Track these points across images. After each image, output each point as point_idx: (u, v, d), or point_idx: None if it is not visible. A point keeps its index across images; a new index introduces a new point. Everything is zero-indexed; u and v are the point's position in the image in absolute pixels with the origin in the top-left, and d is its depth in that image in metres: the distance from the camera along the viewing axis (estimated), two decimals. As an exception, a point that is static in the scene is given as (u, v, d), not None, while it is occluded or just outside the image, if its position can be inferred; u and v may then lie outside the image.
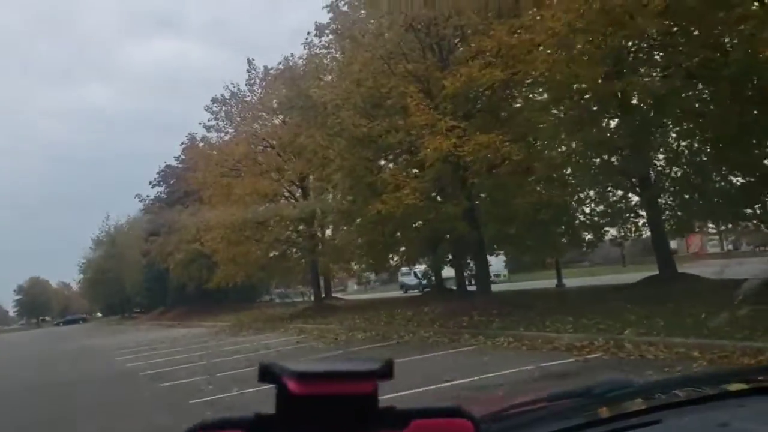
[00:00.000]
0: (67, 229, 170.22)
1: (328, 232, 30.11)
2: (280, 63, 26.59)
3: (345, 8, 17.07)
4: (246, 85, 29.37)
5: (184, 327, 37.73)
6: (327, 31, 17.42)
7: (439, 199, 16.05)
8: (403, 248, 22.81)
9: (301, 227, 28.72)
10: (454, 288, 28.96)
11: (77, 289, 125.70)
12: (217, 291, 44.00)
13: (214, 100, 29.03)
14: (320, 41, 17.99)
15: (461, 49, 15.71)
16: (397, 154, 16.11)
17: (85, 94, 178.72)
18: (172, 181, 41.75)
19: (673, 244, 26.06)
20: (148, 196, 42.82)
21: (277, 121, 29.19)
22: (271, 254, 28.32)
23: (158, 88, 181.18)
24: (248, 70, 29.18)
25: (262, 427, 0.70)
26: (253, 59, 29.33)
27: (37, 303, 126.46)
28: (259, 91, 29.58)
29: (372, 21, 16.03)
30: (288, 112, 18.34)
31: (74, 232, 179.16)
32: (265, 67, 29.47)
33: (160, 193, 44.31)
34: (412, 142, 14.85)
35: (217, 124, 29.62)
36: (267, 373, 0.70)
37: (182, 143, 31.23)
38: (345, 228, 21.67)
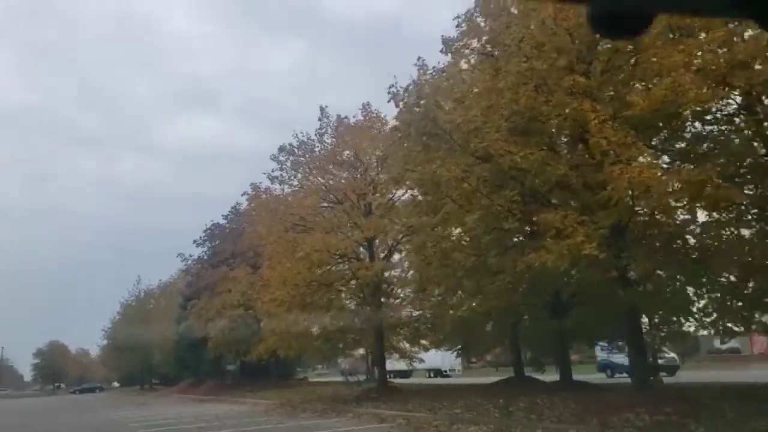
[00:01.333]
0: (91, 294, 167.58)
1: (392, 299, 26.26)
2: (392, 86, 23.54)
3: (480, 20, 14.17)
4: (316, 134, 26.47)
5: (222, 403, 33.49)
6: (458, 45, 14.45)
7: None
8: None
9: (365, 292, 24.91)
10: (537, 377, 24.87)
11: (96, 356, 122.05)
12: (254, 365, 40.04)
13: (281, 149, 26.08)
14: (446, 59, 15.05)
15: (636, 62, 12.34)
16: (564, 188, 12.47)
17: (123, 166, 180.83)
18: (218, 241, 38.60)
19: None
20: (190, 256, 39.86)
21: (345, 174, 26.05)
22: (338, 323, 24.42)
23: (194, 163, 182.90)
24: (320, 119, 26.36)
25: None
26: (326, 106, 26.24)
27: (55, 368, 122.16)
28: (331, 140, 26.63)
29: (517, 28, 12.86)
30: (406, 139, 15.08)
31: (100, 298, 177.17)
32: (338, 116, 26.65)
33: (204, 253, 41.17)
34: (585, 174, 11.36)
35: (282, 174, 26.50)
36: None
37: (244, 193, 27.78)
38: (462, 295, 17.67)
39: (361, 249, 26.04)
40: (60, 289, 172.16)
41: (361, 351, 38.45)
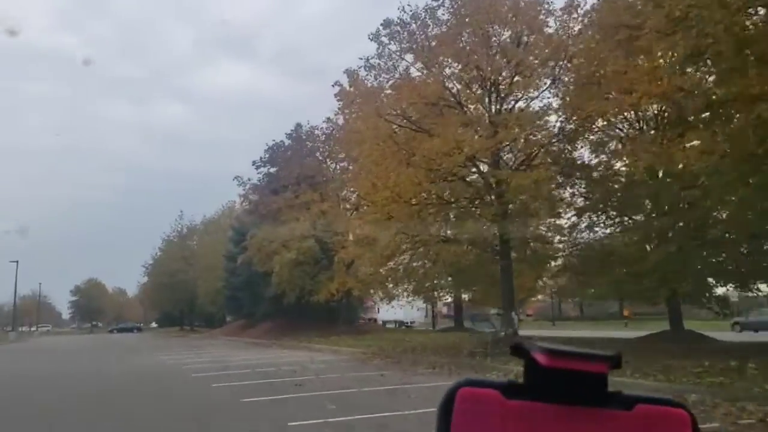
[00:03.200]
0: (131, 235, 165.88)
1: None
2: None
3: None
4: (426, 10, 20.09)
5: (289, 349, 28.36)
6: None
7: None
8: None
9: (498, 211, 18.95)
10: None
11: (133, 296, 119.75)
12: (316, 306, 34.89)
13: (386, 24, 19.83)
14: None
15: None
16: None
17: (160, 111, 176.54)
18: (280, 164, 32.88)
19: None
20: (249, 180, 34.24)
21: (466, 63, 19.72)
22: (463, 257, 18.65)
23: (228, 110, 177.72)
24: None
25: (514, 391, 0.81)
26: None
27: (92, 307, 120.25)
28: (448, 17, 20.27)
29: None
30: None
31: (139, 240, 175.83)
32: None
33: (263, 178, 35.36)
34: None
35: (381, 63, 20.30)
36: (519, 349, 0.82)
37: (336, 83, 21.01)
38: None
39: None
40: (98, 230, 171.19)
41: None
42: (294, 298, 33.24)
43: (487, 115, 19.54)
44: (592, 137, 20.03)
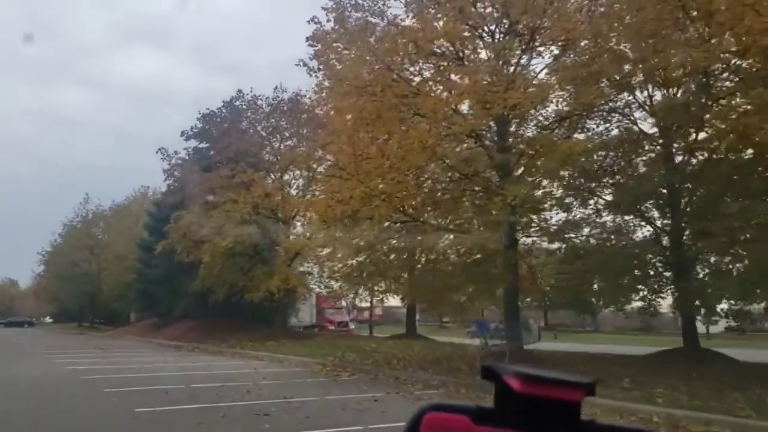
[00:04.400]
0: (25, 223, 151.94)
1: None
2: None
3: None
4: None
5: (217, 355, 23.62)
6: None
7: None
8: None
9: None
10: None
11: (26, 288, 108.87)
12: (246, 306, 30.18)
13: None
14: None
15: None
16: None
17: (63, 97, 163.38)
18: (217, 135, 27.77)
19: None
20: (175, 153, 28.78)
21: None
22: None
23: (140, 101, 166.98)
24: None
25: (483, 416, 0.78)
26: None
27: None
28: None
29: None
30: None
31: (36, 229, 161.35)
32: None
33: (190, 151, 29.94)
34: None
35: (367, 5, 16.24)
36: (490, 372, 0.78)
37: (311, 20, 16.25)
38: None
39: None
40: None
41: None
42: (222, 296, 28.35)
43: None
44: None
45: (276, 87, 28.87)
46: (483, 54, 15.93)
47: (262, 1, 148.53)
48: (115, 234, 52.56)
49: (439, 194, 14.67)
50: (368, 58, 15.24)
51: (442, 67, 15.41)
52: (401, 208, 15.68)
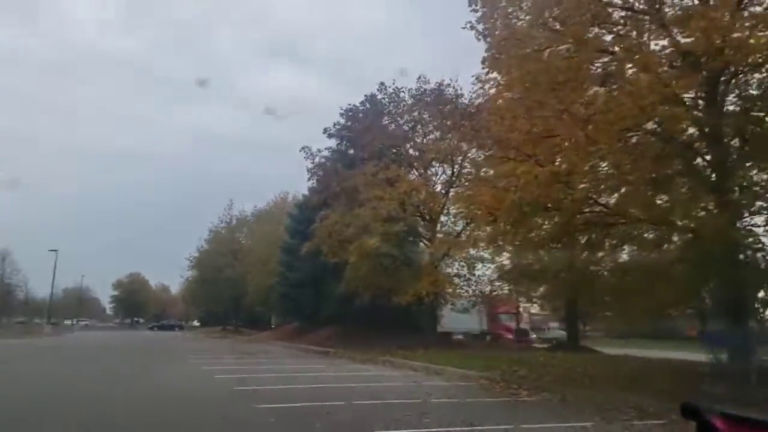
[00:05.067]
0: (177, 235, 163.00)
1: None
2: None
3: None
4: None
5: (362, 362, 22.00)
6: None
7: None
8: None
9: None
10: None
11: (176, 293, 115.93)
12: (390, 311, 28.42)
13: None
14: None
15: None
16: None
17: (204, 113, 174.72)
18: (360, 131, 26.24)
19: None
20: (318, 151, 27.74)
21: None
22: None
23: (275, 114, 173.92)
24: None
25: None
26: None
27: (134, 302, 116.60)
28: None
29: None
30: None
31: (185, 240, 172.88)
32: None
33: (333, 150, 28.65)
34: None
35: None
36: (690, 411, 0.77)
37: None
38: None
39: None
40: (146, 229, 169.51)
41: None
42: (368, 300, 26.76)
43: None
44: None
45: (419, 77, 26.95)
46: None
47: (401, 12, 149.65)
48: (257, 238, 53.44)
49: (644, 173, 11.79)
50: (546, 15, 12.72)
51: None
52: (592, 196, 12.95)
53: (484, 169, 16.65)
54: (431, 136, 27.34)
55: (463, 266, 25.54)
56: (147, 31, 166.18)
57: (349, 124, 27.68)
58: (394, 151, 27.21)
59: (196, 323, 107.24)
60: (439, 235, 25.60)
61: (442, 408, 10.96)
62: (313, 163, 27.59)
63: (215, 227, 60.28)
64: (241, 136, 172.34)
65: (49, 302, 71.46)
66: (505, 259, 19.00)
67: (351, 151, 28.17)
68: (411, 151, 26.93)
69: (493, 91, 15.97)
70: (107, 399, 11.42)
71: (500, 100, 14.97)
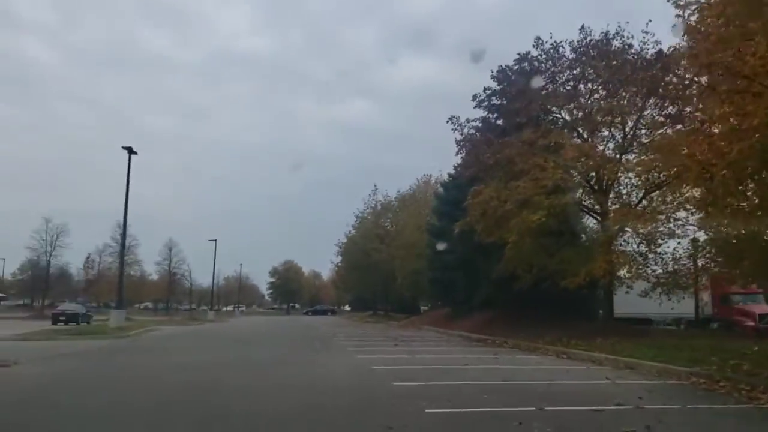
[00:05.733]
0: (324, 224, 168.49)
1: None
2: None
3: None
4: None
5: (529, 352, 19.50)
6: None
7: None
8: None
9: None
10: None
11: (327, 279, 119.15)
12: (552, 296, 25.52)
13: None
14: None
15: None
16: None
17: (346, 108, 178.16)
18: (514, 94, 23.55)
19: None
20: (467, 121, 25.33)
21: None
22: None
23: (411, 105, 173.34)
24: None
25: None
26: None
27: (289, 288, 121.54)
28: None
29: None
30: None
31: (332, 230, 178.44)
32: None
33: (487, 117, 25.97)
34: None
35: None
36: None
37: None
38: None
39: None
40: (295, 220, 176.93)
41: None
42: (530, 283, 24.09)
43: None
44: None
45: (581, 27, 23.56)
46: None
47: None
48: (402, 222, 52.30)
49: None
50: None
51: None
52: None
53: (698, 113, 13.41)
54: (597, 95, 23.97)
55: (642, 243, 22.06)
56: (288, 30, 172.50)
57: (501, 87, 24.90)
58: (554, 115, 24.20)
59: (347, 308, 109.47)
60: (613, 207, 22.30)
61: (666, 418, 8.34)
62: (461, 134, 25.25)
63: (361, 213, 60.05)
64: (382, 129, 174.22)
65: (212, 289, 75.54)
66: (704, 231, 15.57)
67: (501, 121, 25.41)
68: (575, 113, 23.69)
69: (694, 18, 12.76)
70: (258, 390, 10.01)
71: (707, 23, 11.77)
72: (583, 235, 24.13)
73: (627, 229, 20.99)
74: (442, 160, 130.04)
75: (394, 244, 50.08)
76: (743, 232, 11.37)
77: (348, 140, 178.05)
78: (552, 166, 20.52)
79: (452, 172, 35.37)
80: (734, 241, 14.53)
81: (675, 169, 14.05)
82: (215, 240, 66.92)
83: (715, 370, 13.13)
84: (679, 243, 21.77)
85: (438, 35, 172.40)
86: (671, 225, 20.87)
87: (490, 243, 23.33)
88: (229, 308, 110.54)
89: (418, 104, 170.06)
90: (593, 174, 22.40)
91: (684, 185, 15.16)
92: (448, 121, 25.39)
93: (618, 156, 22.43)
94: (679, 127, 21.18)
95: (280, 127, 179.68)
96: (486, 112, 26.01)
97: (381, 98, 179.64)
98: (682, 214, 21.67)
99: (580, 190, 22.80)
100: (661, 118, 21.70)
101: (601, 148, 22.68)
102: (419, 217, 47.58)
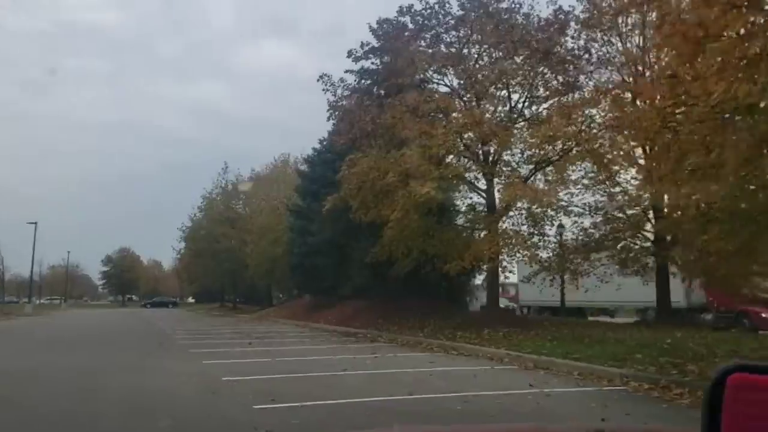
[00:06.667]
0: (167, 210, 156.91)
1: None
2: None
3: None
4: None
5: (412, 349, 16.47)
6: None
7: None
8: None
9: None
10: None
11: (169, 269, 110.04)
12: (430, 282, 23.06)
13: None
14: None
15: None
16: None
17: (199, 89, 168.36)
18: (398, 50, 19.95)
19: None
20: (342, 81, 21.44)
21: None
22: None
23: (270, 89, 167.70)
24: None
25: None
26: None
27: (125, 279, 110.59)
28: None
29: None
30: None
31: (175, 215, 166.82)
32: None
33: (358, 78, 22.22)
34: None
35: None
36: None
37: None
38: None
39: None
40: (139, 203, 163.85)
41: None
42: (410, 268, 21.20)
43: None
44: None
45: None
46: None
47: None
48: (257, 204, 47.72)
49: None
50: None
51: None
52: None
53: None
54: (483, 60, 21.49)
55: (527, 221, 19.95)
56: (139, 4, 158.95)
57: (381, 44, 21.56)
58: (438, 79, 21.40)
59: (190, 300, 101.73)
60: (501, 182, 19.91)
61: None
62: (335, 96, 21.66)
63: (209, 193, 54.33)
64: (235, 111, 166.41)
65: (30, 278, 65.63)
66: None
67: (381, 82, 22.06)
68: (462, 77, 20.93)
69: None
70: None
71: None
72: (470, 214, 21.63)
73: (520, 206, 18.66)
74: (303, 144, 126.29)
75: (247, 228, 45.37)
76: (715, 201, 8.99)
77: (202, 122, 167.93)
78: (442, 132, 17.56)
79: (318, 147, 31.70)
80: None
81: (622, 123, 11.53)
82: (35, 223, 57.89)
83: (655, 370, 10.81)
84: (575, 222, 20.03)
85: (298, 20, 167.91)
86: (563, 202, 18.96)
87: (367, 223, 20.01)
88: (56, 301, 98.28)
89: (276, 88, 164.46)
90: (480, 145, 19.83)
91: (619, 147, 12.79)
92: (319, 80, 21.74)
93: (510, 125, 20.03)
94: (577, 95, 19.38)
95: (130, 107, 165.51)
96: (363, 73, 22.52)
97: (237, 80, 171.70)
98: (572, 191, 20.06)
99: (470, 162, 20.14)
100: (558, 86, 19.67)
101: (489, 116, 20.14)
102: (277, 198, 43.45)
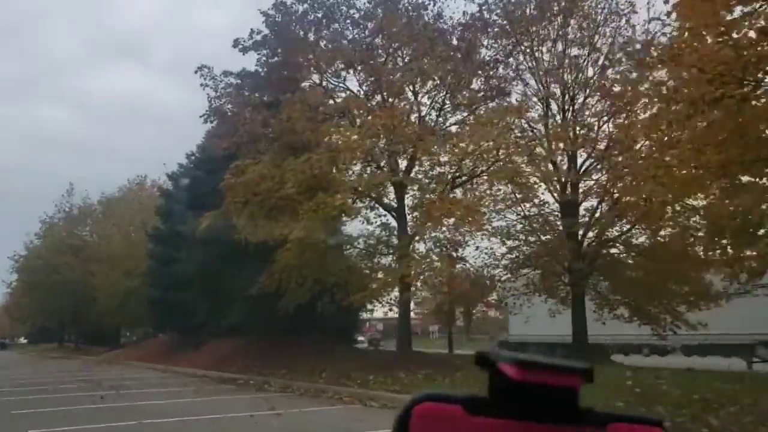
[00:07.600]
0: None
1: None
2: None
3: None
4: None
5: (312, 400, 13.10)
6: None
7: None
8: None
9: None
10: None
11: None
12: (324, 317, 19.79)
13: None
14: None
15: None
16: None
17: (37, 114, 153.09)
18: (292, 41, 16.74)
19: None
20: (226, 74, 17.41)
21: None
22: None
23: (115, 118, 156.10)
24: None
25: (476, 406, 0.72)
26: None
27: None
28: None
29: None
30: None
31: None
32: None
33: (237, 77, 18.35)
34: None
35: None
36: (483, 359, 0.72)
37: None
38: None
39: None
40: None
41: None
42: (304, 300, 17.79)
43: None
44: None
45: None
46: None
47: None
48: (107, 231, 41.63)
49: None
50: None
51: None
52: None
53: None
54: (394, 61, 18.93)
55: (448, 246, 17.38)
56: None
57: (274, 33, 18.19)
58: (342, 78, 18.42)
59: (23, 340, 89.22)
60: (414, 198, 17.17)
61: None
62: (216, 91, 17.98)
63: (50, 218, 47.00)
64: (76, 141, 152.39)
65: None
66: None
67: (274, 77, 18.60)
68: (371, 78, 18.08)
69: None
70: None
71: None
72: (372, 238, 18.61)
73: (444, 224, 15.98)
74: (156, 171, 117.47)
75: (95, 258, 39.18)
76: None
77: (43, 150, 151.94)
78: (358, 133, 14.57)
79: (185, 162, 27.46)
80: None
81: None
82: None
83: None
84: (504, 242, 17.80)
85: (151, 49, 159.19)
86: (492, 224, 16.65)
87: (255, 245, 16.35)
88: None
89: (126, 118, 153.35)
90: (396, 153, 17.00)
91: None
92: (196, 72, 17.95)
93: (426, 135, 17.44)
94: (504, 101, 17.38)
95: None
96: (250, 71, 18.96)
97: (82, 107, 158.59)
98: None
99: (382, 171, 17.13)
100: (482, 90, 17.51)
101: (407, 119, 17.42)
102: (131, 224, 38.06)
